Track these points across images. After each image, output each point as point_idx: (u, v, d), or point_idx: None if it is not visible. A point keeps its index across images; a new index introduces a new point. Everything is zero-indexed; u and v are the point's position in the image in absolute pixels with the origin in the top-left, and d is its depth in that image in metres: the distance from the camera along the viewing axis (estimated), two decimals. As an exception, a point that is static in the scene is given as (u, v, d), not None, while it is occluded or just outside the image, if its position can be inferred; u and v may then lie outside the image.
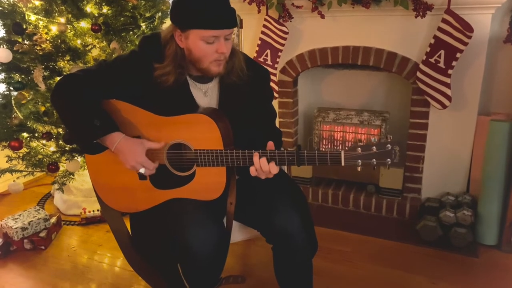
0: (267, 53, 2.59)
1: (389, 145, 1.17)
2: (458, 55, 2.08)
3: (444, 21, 2.09)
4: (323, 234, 2.28)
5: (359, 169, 1.22)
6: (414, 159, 2.46)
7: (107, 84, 1.33)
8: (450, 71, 2.13)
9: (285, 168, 1.76)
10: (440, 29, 2.10)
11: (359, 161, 1.19)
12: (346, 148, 1.21)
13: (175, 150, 1.36)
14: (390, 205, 2.52)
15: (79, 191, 2.67)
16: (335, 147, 2.69)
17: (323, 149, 1.08)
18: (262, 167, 1.25)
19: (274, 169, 1.26)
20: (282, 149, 1.30)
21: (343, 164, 1.20)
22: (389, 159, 1.18)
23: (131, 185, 1.40)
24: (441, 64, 2.13)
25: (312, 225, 1.52)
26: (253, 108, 1.45)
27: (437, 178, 2.45)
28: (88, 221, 2.53)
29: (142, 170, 1.31)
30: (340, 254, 2.17)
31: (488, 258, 2.10)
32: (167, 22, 2.78)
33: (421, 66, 2.21)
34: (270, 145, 1.28)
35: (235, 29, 2.72)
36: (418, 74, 2.23)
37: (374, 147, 1.18)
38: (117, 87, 1.34)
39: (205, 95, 1.41)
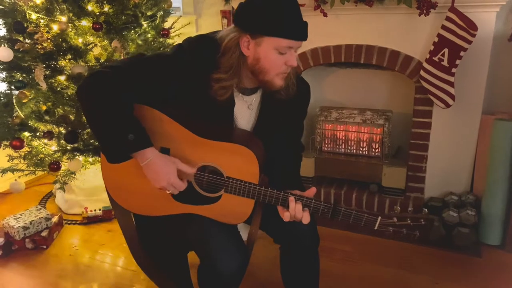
0: (269, 52, 2.57)
1: (423, 220, 1.23)
2: (462, 53, 2.06)
3: (448, 19, 2.07)
4: (325, 234, 2.26)
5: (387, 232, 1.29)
6: (417, 158, 2.44)
7: (146, 88, 1.19)
8: (454, 70, 2.11)
9: None
10: (444, 27, 2.09)
11: (391, 228, 1.25)
12: (381, 214, 1.26)
13: (205, 170, 1.32)
14: (393, 205, 2.50)
15: (80, 190, 2.67)
16: (337, 146, 2.67)
17: (357, 211, 1.18)
18: (296, 213, 1.20)
19: (306, 219, 1.21)
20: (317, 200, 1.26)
21: (375, 228, 1.25)
22: (418, 232, 1.23)
23: (149, 191, 1.32)
24: (445, 63, 2.11)
25: (315, 221, 1.51)
26: (289, 124, 1.40)
27: (440, 178, 2.44)
28: (89, 221, 2.53)
29: (170, 190, 1.23)
30: (343, 254, 2.16)
31: (492, 258, 2.09)
32: (169, 21, 2.76)
33: (425, 65, 2.19)
34: (310, 191, 1.24)
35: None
36: (422, 72, 2.21)
37: (409, 220, 1.23)
38: (157, 93, 1.21)
39: (249, 107, 1.34)
